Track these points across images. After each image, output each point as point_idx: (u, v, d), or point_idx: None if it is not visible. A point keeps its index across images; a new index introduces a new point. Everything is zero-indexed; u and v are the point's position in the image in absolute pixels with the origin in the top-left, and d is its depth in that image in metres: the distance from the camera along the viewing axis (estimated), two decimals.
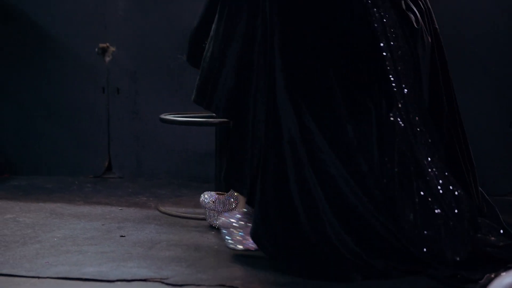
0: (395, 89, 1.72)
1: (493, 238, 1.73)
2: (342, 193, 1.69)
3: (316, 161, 1.70)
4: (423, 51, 1.80)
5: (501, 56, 2.67)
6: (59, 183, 2.82)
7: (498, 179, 2.64)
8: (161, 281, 1.62)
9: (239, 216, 1.83)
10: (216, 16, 1.84)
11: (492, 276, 1.55)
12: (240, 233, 1.81)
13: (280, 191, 1.72)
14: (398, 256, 1.65)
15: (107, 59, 2.95)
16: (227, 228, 1.82)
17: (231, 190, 2.11)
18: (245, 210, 1.85)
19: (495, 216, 1.84)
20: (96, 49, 2.94)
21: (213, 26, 1.85)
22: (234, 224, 1.82)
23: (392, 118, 1.70)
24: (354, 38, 1.75)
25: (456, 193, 1.69)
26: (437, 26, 1.92)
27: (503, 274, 1.45)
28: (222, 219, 1.84)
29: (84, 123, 2.98)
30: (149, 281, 1.62)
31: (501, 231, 1.76)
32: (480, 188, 1.89)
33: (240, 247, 1.81)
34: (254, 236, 1.74)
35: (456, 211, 1.66)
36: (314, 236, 1.68)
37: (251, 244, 1.79)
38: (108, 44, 2.94)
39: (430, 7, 1.92)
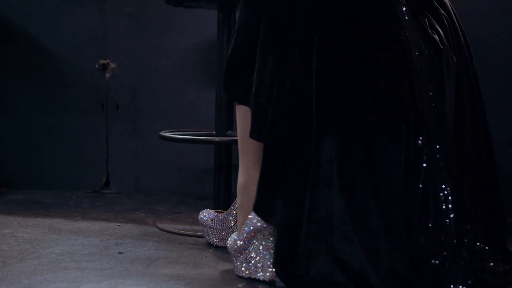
0: (420, 112, 1.67)
1: (491, 264, 1.71)
2: (368, 215, 1.64)
3: (349, 183, 1.65)
4: (448, 73, 1.75)
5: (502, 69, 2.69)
6: (57, 198, 2.82)
7: None
8: None
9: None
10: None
11: None
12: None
13: (291, 210, 1.68)
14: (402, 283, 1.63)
15: (107, 75, 2.97)
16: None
17: (230, 208, 2.12)
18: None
19: (497, 240, 1.82)
20: (97, 66, 2.96)
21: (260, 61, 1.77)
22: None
23: (420, 142, 1.66)
24: (387, 62, 1.68)
25: (463, 224, 1.66)
26: (463, 40, 1.86)
27: None
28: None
29: (83, 138, 2.99)
30: None
31: (500, 256, 1.74)
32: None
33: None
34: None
35: (456, 241, 1.63)
36: (316, 263, 1.66)
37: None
38: (108, 60, 2.96)
39: (455, 21, 1.86)
